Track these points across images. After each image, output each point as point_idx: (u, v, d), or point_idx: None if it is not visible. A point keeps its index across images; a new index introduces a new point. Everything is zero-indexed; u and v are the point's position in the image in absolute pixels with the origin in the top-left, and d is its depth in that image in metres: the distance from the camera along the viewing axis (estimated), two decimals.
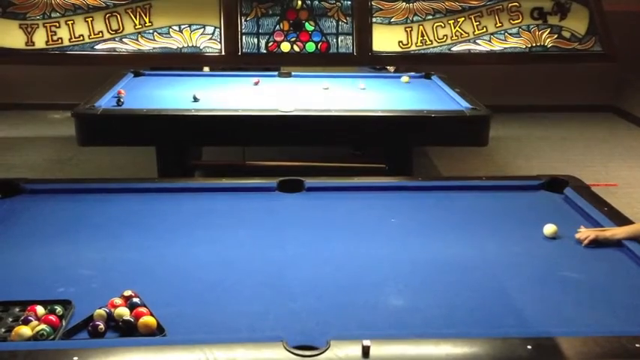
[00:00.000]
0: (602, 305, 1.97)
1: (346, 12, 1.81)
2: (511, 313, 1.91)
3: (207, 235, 2.43)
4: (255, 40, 1.79)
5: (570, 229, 2.47)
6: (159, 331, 1.76)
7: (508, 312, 1.91)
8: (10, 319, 1.80)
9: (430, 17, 1.84)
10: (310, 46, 1.79)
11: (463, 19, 1.84)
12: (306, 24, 1.81)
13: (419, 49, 1.82)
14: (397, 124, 4.23)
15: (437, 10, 1.84)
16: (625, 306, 1.96)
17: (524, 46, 1.81)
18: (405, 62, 1.89)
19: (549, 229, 2.44)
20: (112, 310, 1.81)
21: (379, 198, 2.86)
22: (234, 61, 1.76)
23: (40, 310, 1.81)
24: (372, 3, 1.83)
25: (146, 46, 1.76)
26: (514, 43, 1.81)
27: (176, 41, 1.77)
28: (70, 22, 1.74)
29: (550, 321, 1.86)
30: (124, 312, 1.80)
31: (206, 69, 5.00)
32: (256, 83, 5.09)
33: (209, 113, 4.12)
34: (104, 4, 1.76)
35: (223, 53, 1.75)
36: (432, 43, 1.84)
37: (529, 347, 1.66)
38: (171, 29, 1.78)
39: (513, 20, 1.82)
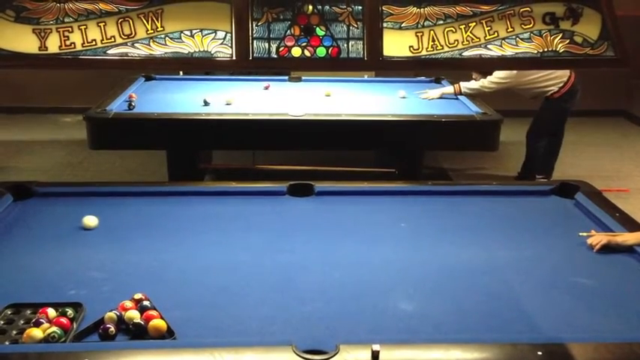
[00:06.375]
0: (613, 311, 1.96)
1: (357, 17, 1.81)
2: (521, 318, 1.90)
3: (217, 239, 2.44)
4: (266, 45, 1.79)
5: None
6: (169, 334, 1.77)
7: (518, 317, 1.91)
8: (22, 322, 1.82)
9: (441, 22, 1.84)
10: (321, 51, 1.79)
11: (474, 24, 1.83)
12: (317, 29, 1.81)
13: (430, 54, 1.81)
14: (407, 128, 4.23)
15: (448, 15, 1.83)
16: (636, 312, 1.95)
17: (535, 51, 1.81)
18: (415, 67, 1.90)
19: (89, 221, 2.45)
20: (123, 312, 1.82)
21: (389, 202, 2.85)
22: (245, 65, 1.77)
23: (52, 312, 1.82)
24: (383, 8, 1.83)
25: (158, 50, 1.77)
26: (525, 48, 1.80)
27: (187, 46, 1.77)
28: (82, 27, 1.74)
29: (561, 327, 1.85)
30: (134, 315, 1.81)
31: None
32: (267, 88, 5.12)
33: (219, 117, 4.14)
34: (117, 10, 1.77)
35: (234, 58, 1.76)
36: (442, 48, 1.84)
37: (539, 353, 1.65)
38: (182, 34, 1.79)
39: (525, 25, 1.81)
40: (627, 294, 2.07)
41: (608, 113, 7.60)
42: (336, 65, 1.90)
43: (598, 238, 2.37)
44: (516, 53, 1.88)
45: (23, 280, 2.10)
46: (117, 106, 4.33)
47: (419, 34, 1.88)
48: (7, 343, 1.73)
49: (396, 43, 1.87)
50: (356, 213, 2.73)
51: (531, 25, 1.89)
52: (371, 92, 5.09)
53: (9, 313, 1.86)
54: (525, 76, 4.81)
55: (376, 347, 1.61)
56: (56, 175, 5.37)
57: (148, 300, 1.89)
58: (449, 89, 4.91)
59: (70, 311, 1.83)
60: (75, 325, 1.79)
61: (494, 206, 2.82)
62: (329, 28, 1.86)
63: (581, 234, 2.44)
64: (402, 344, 1.71)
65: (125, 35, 1.81)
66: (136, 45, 1.81)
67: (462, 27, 1.88)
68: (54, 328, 1.73)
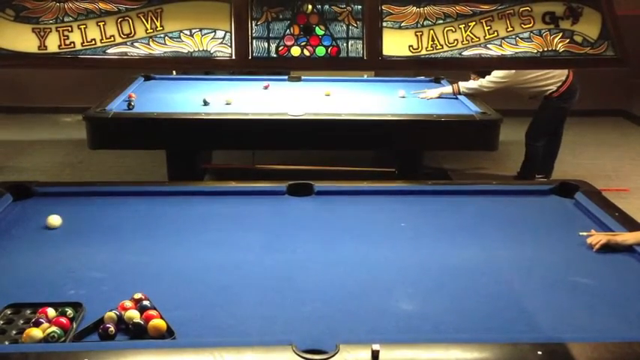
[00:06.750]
0: (613, 311, 1.96)
1: (356, 16, 1.81)
2: (521, 318, 1.90)
3: (217, 239, 2.43)
4: (266, 45, 1.79)
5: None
6: (169, 334, 1.77)
7: (518, 317, 1.91)
8: (21, 321, 1.82)
9: (441, 21, 1.83)
10: (320, 51, 1.79)
11: (474, 23, 1.83)
12: (317, 28, 1.81)
13: (429, 54, 1.81)
14: (407, 128, 4.23)
15: (447, 14, 1.83)
16: (636, 312, 1.95)
17: (535, 51, 1.80)
18: (415, 66, 1.90)
19: (53, 220, 2.47)
20: (123, 312, 1.82)
21: (389, 202, 2.85)
22: (244, 65, 1.77)
23: (51, 312, 1.82)
24: (383, 7, 1.83)
25: (157, 50, 1.76)
26: (525, 48, 1.80)
27: (187, 45, 1.77)
28: (82, 27, 1.74)
29: (561, 326, 1.85)
30: (134, 315, 1.81)
31: None
32: (266, 87, 5.12)
33: (219, 117, 4.14)
34: (116, 9, 1.76)
35: (234, 57, 1.75)
36: (442, 48, 1.83)
37: (540, 353, 1.65)
38: (182, 33, 1.79)
39: (525, 25, 1.80)
40: (627, 294, 2.07)
41: (607, 113, 7.60)
42: (335, 65, 1.90)
43: (598, 238, 2.37)
44: (516, 53, 1.88)
45: (23, 279, 2.10)
46: (116, 105, 4.33)
47: (418, 34, 1.88)
48: (6, 342, 1.73)
49: (396, 43, 1.87)
50: (356, 212, 2.73)
51: (531, 25, 1.89)
52: (370, 92, 5.09)
53: (9, 313, 1.86)
54: (524, 76, 4.81)
55: (376, 347, 1.61)
56: (56, 175, 5.37)
57: (148, 300, 1.89)
58: (447, 89, 4.91)
59: (69, 311, 1.83)
60: (74, 325, 1.79)
61: (494, 206, 2.82)
62: (328, 27, 1.86)
63: (581, 234, 2.43)
64: (402, 344, 1.71)
65: (125, 35, 1.81)
66: (135, 44, 1.81)
67: (462, 26, 1.88)
68: (53, 328, 1.73)
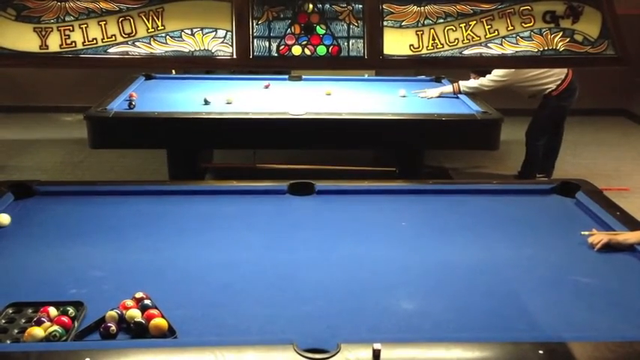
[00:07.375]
0: (614, 310, 1.96)
1: (357, 15, 1.81)
2: (522, 317, 1.90)
3: (218, 238, 2.44)
4: (267, 44, 1.80)
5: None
6: (170, 333, 1.77)
7: (519, 316, 1.91)
8: (23, 320, 1.82)
9: (441, 21, 1.84)
10: (321, 50, 1.80)
11: (474, 22, 1.84)
12: (318, 27, 1.81)
13: (430, 53, 1.81)
14: (408, 127, 4.23)
15: (448, 13, 1.83)
16: (637, 311, 1.95)
17: (535, 50, 1.81)
18: (416, 66, 1.90)
19: (2, 218, 2.47)
20: (124, 311, 1.82)
21: (390, 201, 2.85)
22: (245, 64, 1.78)
23: (53, 311, 1.82)
24: (383, 6, 1.83)
25: (158, 49, 1.77)
26: (526, 47, 1.81)
27: (188, 45, 1.78)
28: (83, 26, 1.75)
29: (562, 326, 1.85)
30: (135, 314, 1.81)
31: None
32: (267, 87, 5.11)
33: (220, 116, 4.14)
34: (117, 8, 1.77)
35: (235, 56, 1.76)
36: (443, 47, 1.84)
37: (541, 352, 1.65)
38: (183, 33, 1.79)
39: (525, 24, 1.81)
40: (628, 293, 2.07)
41: (608, 112, 7.59)
42: (336, 64, 1.90)
43: (599, 237, 2.37)
44: (517, 52, 1.89)
45: (24, 279, 2.10)
46: (117, 105, 4.33)
47: (419, 33, 1.88)
48: (8, 342, 1.73)
49: (397, 42, 1.87)
50: (357, 212, 2.73)
51: (532, 24, 1.89)
52: (371, 91, 5.09)
53: (10, 312, 1.86)
54: (523, 74, 4.81)
55: (377, 346, 1.61)
56: (57, 174, 5.37)
57: (149, 299, 1.89)
58: (448, 88, 4.91)
59: (71, 310, 1.83)
60: (76, 324, 1.79)
61: (495, 205, 2.82)
62: (329, 26, 1.86)
63: (582, 233, 2.43)
64: (403, 343, 1.71)
65: (126, 34, 1.81)
66: (136, 44, 1.81)
67: (463, 25, 1.89)
68: (55, 327, 1.73)
